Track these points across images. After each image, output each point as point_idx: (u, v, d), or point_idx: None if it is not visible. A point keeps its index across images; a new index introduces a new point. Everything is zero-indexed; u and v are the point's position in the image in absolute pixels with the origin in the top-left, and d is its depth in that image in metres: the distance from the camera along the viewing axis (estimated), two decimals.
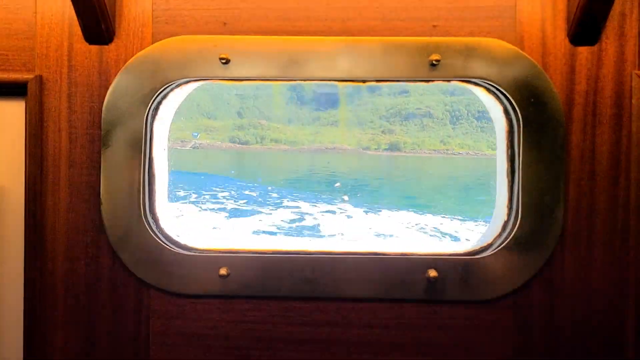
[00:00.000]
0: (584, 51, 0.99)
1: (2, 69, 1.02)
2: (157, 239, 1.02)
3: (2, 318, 1.04)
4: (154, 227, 1.04)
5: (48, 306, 1.03)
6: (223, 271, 1.01)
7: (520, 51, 0.99)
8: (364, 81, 1.04)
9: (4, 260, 1.04)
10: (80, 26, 1.00)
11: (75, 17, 1.01)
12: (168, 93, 1.05)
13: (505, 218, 1.04)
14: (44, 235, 1.03)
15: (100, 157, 1.02)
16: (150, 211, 1.05)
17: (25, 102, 1.02)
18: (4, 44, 1.02)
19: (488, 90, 1.04)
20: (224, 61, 1.01)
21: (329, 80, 1.03)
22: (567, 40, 1.00)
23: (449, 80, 1.03)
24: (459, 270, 1.01)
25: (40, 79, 1.02)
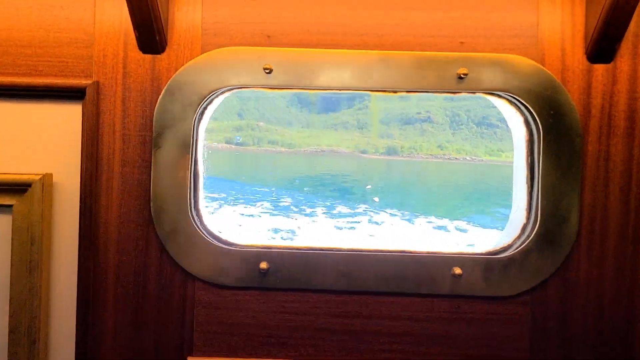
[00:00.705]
0: (600, 68, 1.08)
1: (62, 75, 1.10)
2: (202, 234, 1.10)
3: (58, 305, 1.12)
4: (198, 223, 1.12)
5: (100, 294, 1.11)
6: (263, 265, 1.09)
7: (541, 67, 1.08)
8: (395, 91, 1.13)
9: (60, 252, 1.12)
10: (135, 37, 1.08)
11: (129, 28, 1.10)
12: (213, 99, 1.14)
13: (525, 221, 1.13)
14: (97, 229, 1.11)
15: (151, 157, 1.10)
16: (194, 208, 1.13)
17: (83, 106, 1.10)
18: (64, 51, 1.10)
19: (510, 102, 1.13)
20: (267, 71, 1.09)
21: (364, 90, 1.12)
22: (584, 58, 1.08)
23: (474, 92, 1.11)
24: (481, 268, 1.09)
25: (97, 85, 1.10)
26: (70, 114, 1.12)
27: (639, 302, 1.08)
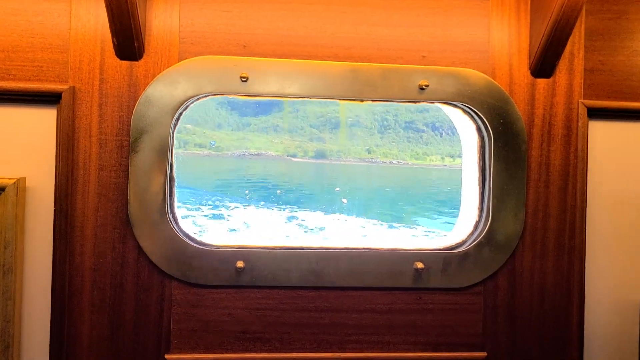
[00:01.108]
0: (542, 82, 1.22)
1: (36, 79, 1.11)
2: (180, 236, 1.14)
3: (33, 308, 1.12)
4: (175, 226, 1.16)
5: (76, 296, 1.12)
6: (240, 264, 1.15)
7: (492, 80, 1.20)
8: (362, 100, 1.21)
9: (34, 255, 1.12)
10: (113, 43, 1.10)
11: (106, 35, 1.12)
12: (189, 105, 1.18)
13: (477, 218, 1.25)
14: (73, 232, 1.12)
15: (128, 161, 1.13)
16: (171, 211, 1.17)
17: (58, 110, 1.11)
18: (38, 56, 1.11)
19: (464, 111, 1.24)
20: (243, 79, 1.15)
21: (333, 98, 1.20)
22: (528, 73, 1.21)
23: (433, 102, 1.22)
24: (440, 262, 1.20)
25: (73, 90, 1.11)
26: (44, 119, 1.12)
27: (574, 288, 1.22)
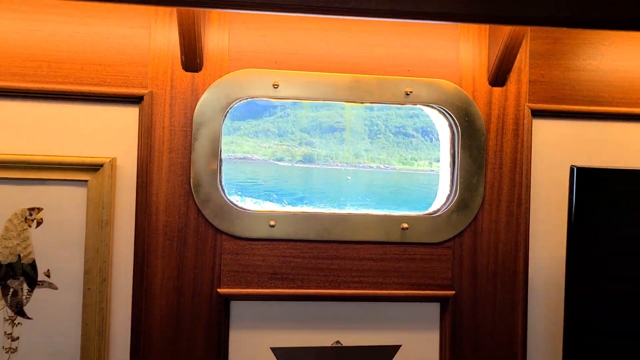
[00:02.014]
0: (497, 90, 1.63)
1: (125, 86, 1.51)
2: (227, 202, 1.55)
3: (121, 253, 1.53)
4: (223, 194, 1.56)
5: (152, 246, 1.53)
6: (272, 222, 1.56)
7: (460, 88, 1.61)
8: (362, 102, 1.62)
9: (122, 214, 1.53)
10: (181, 59, 1.51)
11: (175, 53, 1.52)
12: (234, 105, 1.58)
13: (449, 192, 1.66)
14: (150, 199, 1.52)
15: (191, 146, 1.53)
16: (220, 183, 1.57)
17: (140, 108, 1.51)
18: (126, 69, 1.51)
19: (439, 111, 1.65)
20: (275, 86, 1.56)
21: (341, 101, 1.60)
22: (487, 83, 1.62)
23: (415, 104, 1.63)
24: (421, 224, 1.61)
25: (151, 94, 1.52)
26: (130, 114, 1.52)
27: (520, 243, 1.63)
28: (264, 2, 1.13)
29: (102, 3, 1.39)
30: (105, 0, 1.23)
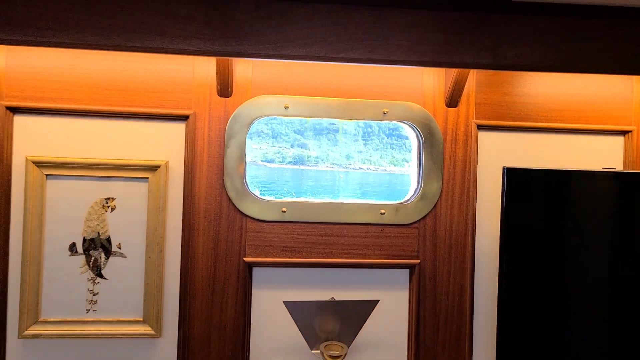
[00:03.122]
0: (451, 110, 2.17)
1: (175, 107, 2.04)
2: (250, 193, 2.08)
3: (172, 231, 2.06)
4: (248, 187, 2.10)
5: (195, 225, 2.06)
6: (284, 209, 2.10)
7: (424, 109, 2.16)
8: (350, 119, 2.16)
9: (173, 203, 2.06)
10: (217, 88, 2.04)
11: (212, 82, 2.05)
12: (254, 121, 2.12)
13: (416, 186, 2.20)
14: (193, 191, 2.05)
15: (224, 152, 2.07)
16: (245, 179, 2.11)
17: (186, 124, 2.04)
18: (177, 95, 2.04)
19: (409, 126, 2.20)
20: (286, 108, 2.10)
21: (335, 117, 2.14)
22: (444, 105, 2.17)
23: (391, 120, 2.17)
24: (395, 210, 2.15)
25: (195, 114, 2.05)
26: (179, 129, 2.06)
27: (469, 224, 2.17)
28: (279, 53, 1.68)
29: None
30: (167, 52, 1.76)
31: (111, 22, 1.60)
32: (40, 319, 1.97)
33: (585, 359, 2.08)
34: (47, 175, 1.96)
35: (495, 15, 1.76)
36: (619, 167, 2.23)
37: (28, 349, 1.98)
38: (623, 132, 2.23)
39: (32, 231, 1.95)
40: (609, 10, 1.79)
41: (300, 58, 1.71)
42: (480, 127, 2.19)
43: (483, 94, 2.19)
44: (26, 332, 1.95)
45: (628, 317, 2.08)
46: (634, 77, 2.25)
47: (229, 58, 1.89)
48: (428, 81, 2.17)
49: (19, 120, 1.96)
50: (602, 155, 2.24)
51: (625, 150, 2.24)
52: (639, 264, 2.06)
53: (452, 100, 2.14)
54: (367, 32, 1.72)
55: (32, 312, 1.95)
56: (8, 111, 1.94)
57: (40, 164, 1.95)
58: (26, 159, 1.95)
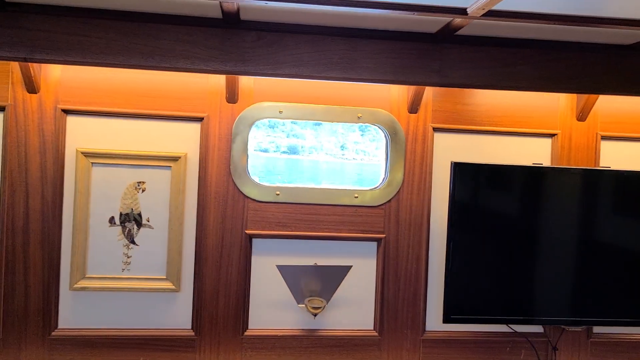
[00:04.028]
0: (412, 115, 2.71)
1: (194, 110, 2.58)
2: (252, 179, 2.63)
3: (189, 210, 2.61)
4: (249, 175, 2.65)
5: (207, 204, 2.60)
6: (277, 192, 2.64)
7: (390, 114, 2.70)
8: (332, 121, 2.71)
9: (190, 187, 2.61)
10: (225, 96, 2.58)
11: (222, 91, 2.59)
12: (255, 122, 2.66)
13: (383, 175, 2.75)
14: (206, 178, 2.59)
15: (231, 146, 2.61)
16: (247, 169, 2.65)
17: (202, 124, 2.58)
18: (194, 102, 2.57)
19: (379, 128, 2.74)
20: (280, 112, 2.64)
21: (320, 120, 2.69)
22: (407, 111, 2.71)
23: (365, 123, 2.72)
24: (367, 195, 2.70)
25: (208, 116, 2.59)
26: (195, 128, 2.59)
27: (425, 206, 2.72)
28: (274, 72, 2.22)
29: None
30: (190, 71, 2.28)
31: (148, 49, 2.15)
32: (87, 275, 2.52)
33: (515, 313, 2.64)
34: (92, 163, 2.51)
35: (441, 45, 2.30)
36: (546, 163, 2.79)
37: (76, 299, 2.53)
38: (550, 135, 2.78)
39: (80, 207, 2.50)
40: (528, 42, 2.34)
41: (291, 76, 2.26)
42: (436, 129, 2.73)
43: (438, 103, 2.73)
44: (75, 285, 2.51)
45: (544, 274, 2.64)
46: None
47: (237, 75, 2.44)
48: (394, 92, 2.71)
49: (71, 119, 2.51)
50: (534, 153, 2.79)
51: (552, 150, 2.79)
52: (557, 232, 2.62)
53: (413, 108, 2.69)
54: (342, 57, 2.26)
55: (80, 270, 2.51)
56: (63, 112, 2.48)
57: (87, 154, 2.50)
58: (76, 150, 2.50)
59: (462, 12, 1.94)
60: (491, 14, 1.93)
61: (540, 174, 2.64)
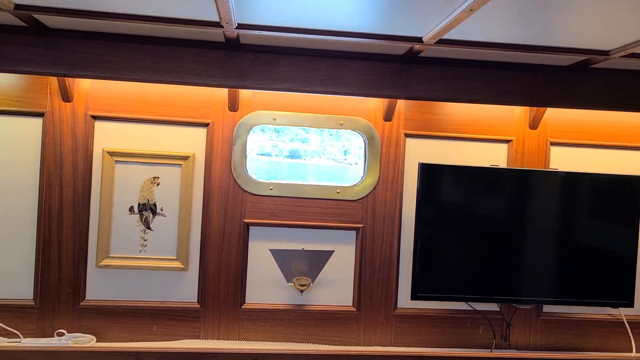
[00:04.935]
0: (387, 123, 3.16)
1: (199, 117, 3.05)
2: (249, 176, 3.10)
3: (195, 200, 3.08)
4: (247, 172, 3.11)
5: (211, 197, 3.07)
6: (271, 187, 3.11)
7: (368, 122, 3.15)
8: (318, 127, 3.17)
9: (196, 181, 3.08)
10: (228, 105, 3.05)
11: (225, 101, 3.06)
12: (252, 128, 3.13)
13: (362, 174, 3.21)
14: (210, 175, 3.06)
15: (232, 148, 3.08)
16: (246, 168, 3.12)
17: (207, 130, 3.05)
18: (200, 110, 3.04)
19: (359, 133, 3.21)
20: (274, 119, 3.11)
21: (308, 126, 3.15)
22: (382, 119, 3.16)
23: (346, 129, 3.18)
24: (347, 190, 3.16)
25: (213, 122, 3.06)
26: (201, 132, 3.06)
27: (397, 201, 3.18)
28: (268, 87, 2.69)
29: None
30: (199, 85, 2.75)
31: (165, 67, 2.62)
32: (110, 255, 3.00)
33: (472, 292, 3.09)
34: (116, 160, 2.99)
35: (408, 65, 2.76)
36: (503, 165, 3.24)
37: (101, 274, 3.01)
38: (506, 141, 3.24)
39: (105, 197, 2.98)
40: (482, 62, 2.80)
41: (282, 90, 2.73)
42: (407, 135, 3.19)
43: (410, 112, 3.19)
44: (100, 263, 2.99)
45: (498, 259, 3.09)
46: None
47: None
48: (371, 103, 3.17)
49: (98, 124, 2.99)
50: (492, 156, 3.24)
51: (508, 153, 3.24)
52: (510, 223, 3.07)
53: (388, 116, 3.15)
54: (326, 74, 2.73)
55: (104, 250, 2.99)
56: (92, 118, 2.96)
57: (111, 153, 2.98)
58: (103, 150, 2.98)
59: (419, 40, 2.40)
60: (442, 42, 2.39)
61: (497, 174, 3.09)
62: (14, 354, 2.37)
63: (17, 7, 2.18)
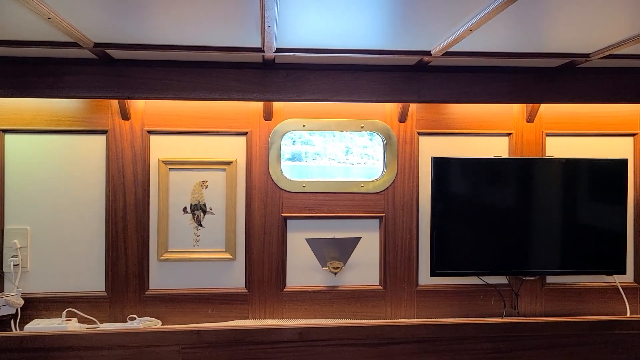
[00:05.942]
0: (402, 124, 3.61)
1: (239, 127, 3.52)
2: (284, 177, 3.56)
3: (238, 198, 3.54)
4: (282, 172, 3.58)
5: (253, 195, 3.54)
6: (304, 185, 3.57)
7: (385, 124, 3.60)
8: (342, 131, 3.63)
9: (239, 183, 3.54)
10: (263, 115, 3.50)
11: (261, 111, 3.52)
12: (285, 134, 3.60)
13: (382, 170, 3.66)
14: (251, 177, 3.51)
15: (268, 152, 3.54)
16: (282, 169, 3.58)
17: (246, 137, 3.52)
18: (243, 121, 3.50)
19: (377, 134, 3.66)
20: (304, 125, 3.57)
21: (333, 130, 3.61)
22: (397, 121, 3.62)
23: (366, 131, 3.64)
24: (370, 184, 3.62)
25: (251, 131, 3.53)
26: (241, 140, 3.51)
27: (414, 192, 3.63)
28: (299, 98, 3.15)
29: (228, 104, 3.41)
30: (239, 100, 3.22)
31: (212, 86, 3.09)
32: (168, 250, 3.47)
33: (484, 267, 3.54)
34: (170, 168, 3.46)
35: (418, 74, 3.22)
36: (504, 155, 3.69)
37: (162, 267, 3.48)
38: (507, 134, 3.68)
39: (162, 201, 3.45)
40: (483, 68, 3.25)
41: (312, 100, 3.19)
42: (420, 134, 3.65)
43: (421, 113, 3.65)
44: (161, 257, 3.46)
45: (505, 238, 3.53)
46: None
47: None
48: (387, 107, 3.63)
49: (153, 138, 3.46)
50: (495, 148, 3.69)
51: (509, 145, 3.68)
52: (514, 205, 3.52)
53: (402, 118, 3.60)
54: (347, 85, 3.19)
55: (164, 245, 3.46)
56: (147, 133, 3.43)
57: (166, 162, 3.45)
58: (158, 159, 3.45)
59: (428, 53, 2.86)
60: (448, 54, 2.85)
61: (500, 163, 3.55)
62: (97, 336, 2.82)
63: (96, 45, 2.66)
